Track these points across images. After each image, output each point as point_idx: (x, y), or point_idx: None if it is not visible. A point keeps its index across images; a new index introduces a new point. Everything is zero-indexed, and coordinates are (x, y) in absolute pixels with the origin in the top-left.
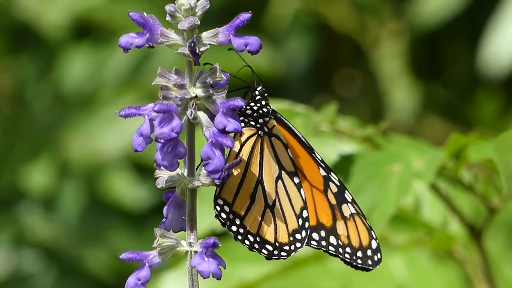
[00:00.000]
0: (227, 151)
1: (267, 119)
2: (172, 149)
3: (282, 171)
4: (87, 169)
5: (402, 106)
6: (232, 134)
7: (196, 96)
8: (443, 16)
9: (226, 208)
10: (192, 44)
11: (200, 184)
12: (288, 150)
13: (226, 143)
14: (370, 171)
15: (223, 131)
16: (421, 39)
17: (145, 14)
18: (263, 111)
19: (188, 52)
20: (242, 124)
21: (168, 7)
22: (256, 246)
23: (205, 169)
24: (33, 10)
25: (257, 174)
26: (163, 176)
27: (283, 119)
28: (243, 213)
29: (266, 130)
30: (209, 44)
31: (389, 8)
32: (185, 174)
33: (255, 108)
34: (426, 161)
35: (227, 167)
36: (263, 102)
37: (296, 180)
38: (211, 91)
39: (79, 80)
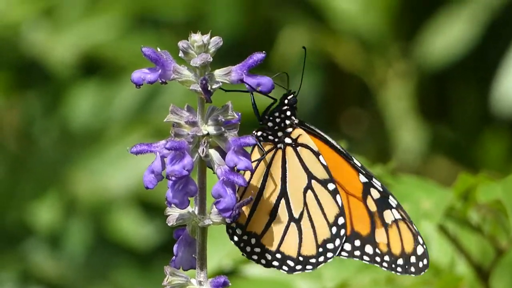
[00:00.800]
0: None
1: (290, 129)
2: (183, 186)
3: (313, 180)
4: (94, 207)
5: (409, 146)
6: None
7: (208, 134)
8: (451, 56)
9: (239, 231)
10: (204, 81)
11: (211, 222)
12: (320, 157)
13: (237, 181)
14: None
15: (234, 169)
16: (428, 79)
17: (159, 49)
18: (285, 123)
19: (200, 89)
20: (261, 138)
21: (181, 44)
22: (276, 263)
23: (216, 207)
24: (40, 46)
25: (278, 189)
26: (173, 214)
27: (313, 127)
28: (260, 231)
29: (289, 142)
30: (222, 82)
31: (396, 48)
32: (196, 212)
33: (278, 120)
34: (434, 202)
35: (238, 206)
36: (288, 113)
37: (331, 187)
38: (223, 129)
39: (86, 117)
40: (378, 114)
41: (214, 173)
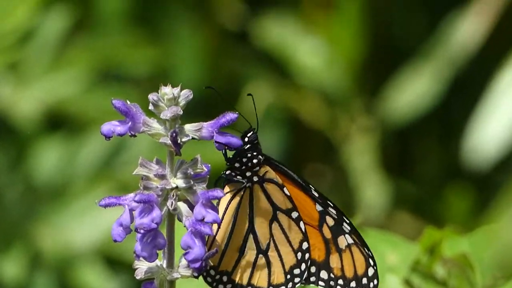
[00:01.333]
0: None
1: (257, 168)
2: (152, 239)
3: (278, 212)
4: (59, 261)
5: (373, 201)
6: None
7: (177, 187)
8: (414, 112)
9: (212, 272)
10: (174, 134)
11: (179, 276)
12: (285, 188)
13: (205, 231)
14: None
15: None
16: (392, 134)
17: (128, 102)
18: (252, 163)
19: (170, 142)
20: (230, 177)
21: (152, 96)
22: None
23: (185, 259)
24: (5, 100)
25: (246, 226)
26: (142, 267)
27: (277, 163)
28: (230, 268)
29: (256, 179)
30: (192, 137)
31: (360, 103)
32: (164, 265)
33: (244, 160)
34: (400, 256)
35: (206, 257)
36: (254, 153)
37: (295, 215)
38: (191, 182)
39: (51, 171)
40: (342, 169)
41: (184, 226)
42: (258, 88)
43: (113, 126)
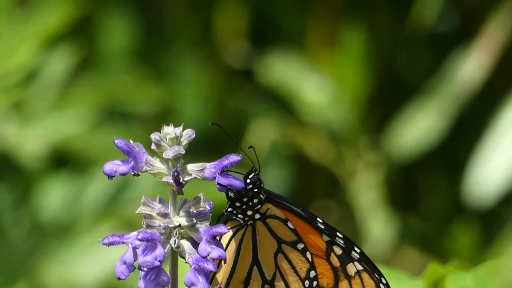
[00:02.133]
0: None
1: (258, 206)
2: (155, 277)
3: (282, 244)
4: None
5: (379, 237)
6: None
7: (179, 225)
8: (420, 148)
9: None
10: (176, 174)
11: None
12: (288, 222)
13: (208, 267)
14: None
15: (207, 258)
16: (397, 170)
17: (131, 141)
18: (253, 202)
19: (172, 181)
20: (231, 215)
21: (154, 136)
22: None
23: None
24: (10, 139)
25: (250, 259)
26: None
27: (280, 200)
28: None
29: (258, 217)
30: (194, 176)
31: (365, 139)
32: None
33: (245, 200)
34: None
35: None
36: (255, 191)
37: (300, 246)
38: (194, 221)
39: (56, 209)
40: (348, 205)
41: (186, 262)
42: (263, 125)
43: (115, 165)
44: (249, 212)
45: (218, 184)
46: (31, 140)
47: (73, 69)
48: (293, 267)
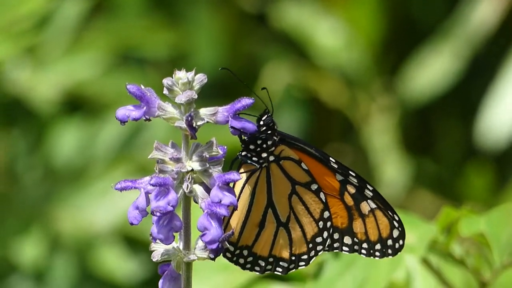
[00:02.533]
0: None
1: (272, 149)
2: (168, 222)
3: (296, 185)
4: (78, 243)
5: (393, 180)
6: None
7: (192, 170)
8: (434, 91)
9: (231, 248)
10: (190, 118)
11: (196, 258)
12: (302, 164)
13: (221, 212)
14: None
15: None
16: (411, 113)
17: (143, 87)
18: (267, 144)
19: (185, 126)
20: (246, 159)
21: (166, 81)
22: (269, 267)
23: (202, 240)
24: (24, 84)
25: (265, 202)
26: (158, 249)
27: (293, 141)
28: (251, 243)
29: (273, 159)
30: (207, 121)
31: (379, 83)
32: (181, 247)
33: (259, 142)
34: (418, 235)
35: (223, 239)
36: (269, 133)
37: (314, 187)
38: (207, 165)
39: (70, 154)
40: (362, 149)
41: (200, 208)
42: (277, 69)
43: (128, 110)
44: (264, 155)
45: (231, 127)
46: (44, 85)
47: (87, 14)
48: (307, 208)
